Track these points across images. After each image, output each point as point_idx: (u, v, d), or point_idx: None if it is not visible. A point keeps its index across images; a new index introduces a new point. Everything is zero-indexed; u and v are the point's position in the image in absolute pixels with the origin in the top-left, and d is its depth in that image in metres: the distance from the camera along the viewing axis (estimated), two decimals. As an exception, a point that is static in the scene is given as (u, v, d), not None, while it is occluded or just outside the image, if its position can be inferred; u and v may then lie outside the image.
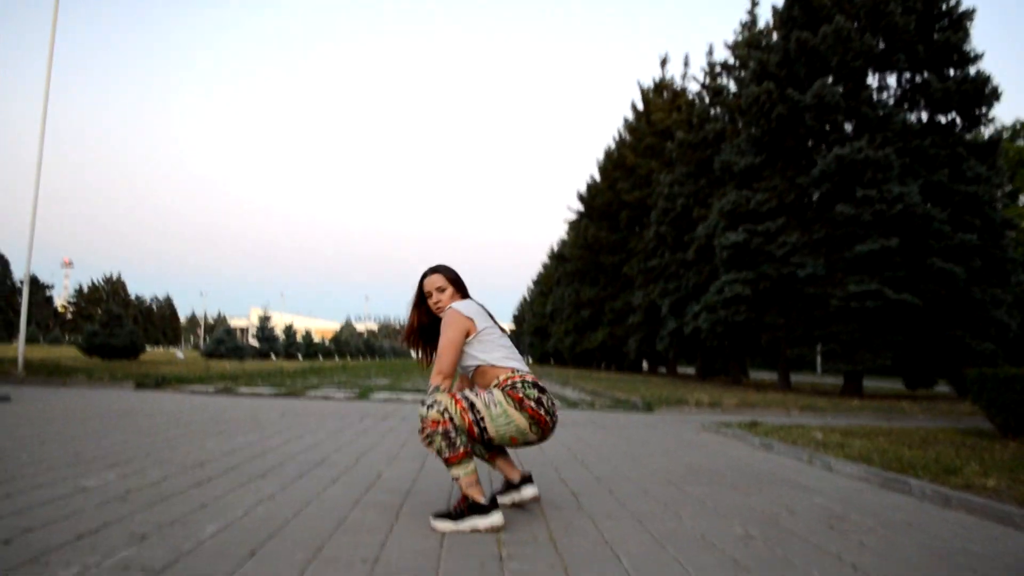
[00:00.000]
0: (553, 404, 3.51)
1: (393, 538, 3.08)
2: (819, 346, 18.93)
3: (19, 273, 77.91)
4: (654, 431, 8.39)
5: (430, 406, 3.30)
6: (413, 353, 3.86)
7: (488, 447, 3.62)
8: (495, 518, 3.27)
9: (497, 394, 3.40)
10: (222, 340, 31.84)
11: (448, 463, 3.30)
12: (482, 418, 3.33)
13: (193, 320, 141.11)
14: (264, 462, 4.96)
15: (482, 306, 3.67)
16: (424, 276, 3.75)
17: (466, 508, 3.26)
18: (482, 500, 3.28)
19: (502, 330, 3.68)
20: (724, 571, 2.76)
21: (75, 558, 2.59)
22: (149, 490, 3.83)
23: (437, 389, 3.39)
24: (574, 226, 47.53)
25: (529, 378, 3.46)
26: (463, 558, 2.82)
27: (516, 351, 3.63)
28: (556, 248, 60.87)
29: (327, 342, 62.09)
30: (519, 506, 3.78)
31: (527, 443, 3.50)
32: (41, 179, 13.32)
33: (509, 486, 3.76)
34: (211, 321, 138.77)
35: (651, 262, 28.80)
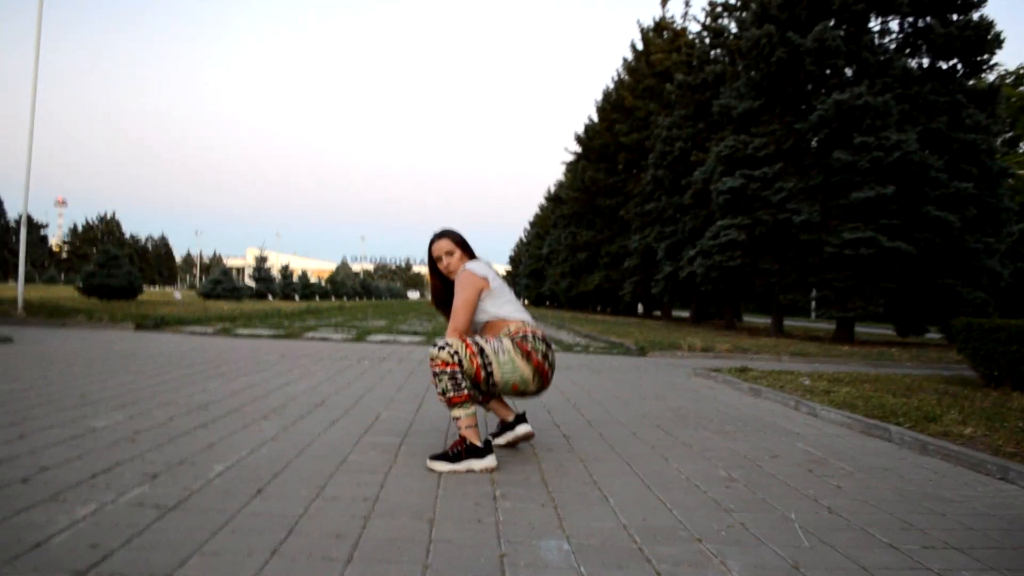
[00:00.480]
0: (554, 359, 3.69)
1: (392, 478, 3.23)
2: (813, 292, 19.11)
3: (13, 212, 77.55)
4: (646, 375, 8.57)
5: (441, 347, 3.45)
6: (442, 315, 4.01)
7: (488, 393, 3.77)
8: (489, 460, 3.43)
9: (506, 343, 3.56)
10: (219, 281, 31.90)
11: (451, 403, 3.45)
12: (490, 363, 3.49)
13: (189, 260, 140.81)
14: (266, 403, 5.11)
15: (489, 265, 3.83)
16: (431, 242, 3.90)
17: (463, 450, 3.41)
18: (478, 443, 3.44)
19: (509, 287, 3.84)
20: (706, 512, 2.92)
21: (92, 496, 2.73)
22: (157, 430, 3.98)
23: None
24: (571, 168, 47.24)
25: (539, 333, 3.65)
26: (459, 497, 2.97)
27: (522, 306, 3.79)
28: (553, 190, 60.57)
29: (323, 282, 62.21)
30: (513, 446, 3.95)
31: (524, 394, 3.66)
32: (36, 116, 13.22)
33: (504, 426, 3.94)
34: (207, 261, 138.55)
35: (648, 206, 28.76)
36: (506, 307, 3.71)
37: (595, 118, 42.09)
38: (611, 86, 39.95)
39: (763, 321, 34.28)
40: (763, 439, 4.64)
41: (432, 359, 3.45)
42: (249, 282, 45.65)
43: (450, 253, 3.85)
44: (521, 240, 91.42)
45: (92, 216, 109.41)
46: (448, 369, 3.42)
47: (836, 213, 16.84)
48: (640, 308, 43.76)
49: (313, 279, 61.70)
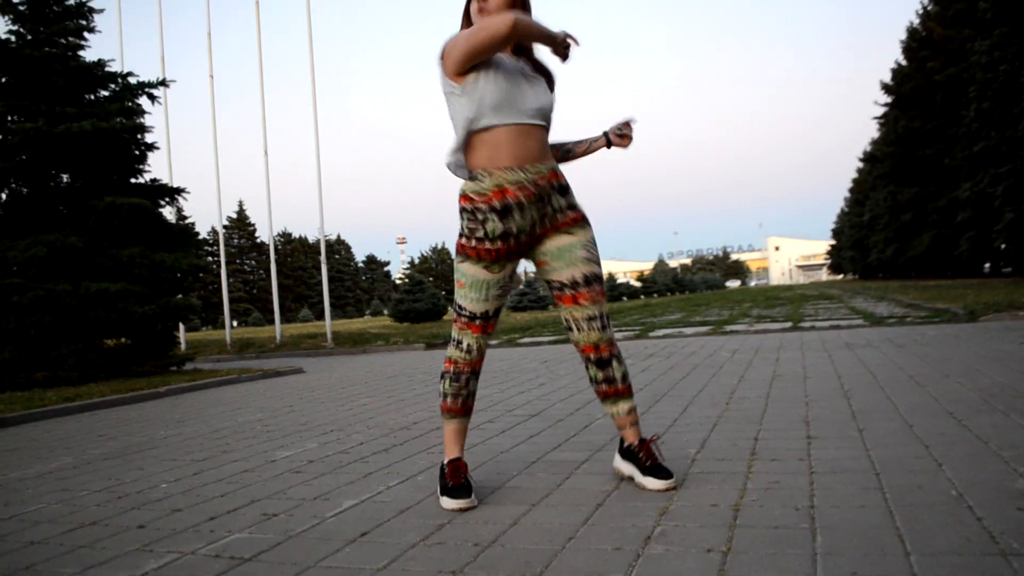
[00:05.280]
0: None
1: (537, 510, 2.55)
2: None
3: (360, 255, 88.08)
4: (964, 345, 6.92)
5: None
6: None
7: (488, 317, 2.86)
8: (448, 503, 2.65)
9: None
10: (525, 292, 33.08)
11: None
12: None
13: (526, 274, 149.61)
14: (477, 418, 4.68)
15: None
16: None
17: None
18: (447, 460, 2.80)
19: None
20: (973, 571, 1.87)
21: (180, 545, 2.42)
22: (333, 459, 3.70)
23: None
24: (882, 121, 42.73)
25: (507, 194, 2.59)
26: (600, 535, 2.20)
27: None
28: (868, 150, 55.24)
29: (632, 282, 62.34)
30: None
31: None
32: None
33: (627, 452, 2.81)
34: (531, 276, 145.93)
35: (976, 147, 24.68)
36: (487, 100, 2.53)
37: (902, 60, 37.57)
38: (915, 20, 35.37)
39: None
40: (1111, 423, 3.23)
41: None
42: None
43: None
44: (842, 210, 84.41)
45: (426, 249, 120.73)
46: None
47: None
48: (987, 267, 37.95)
49: (623, 279, 62.28)
